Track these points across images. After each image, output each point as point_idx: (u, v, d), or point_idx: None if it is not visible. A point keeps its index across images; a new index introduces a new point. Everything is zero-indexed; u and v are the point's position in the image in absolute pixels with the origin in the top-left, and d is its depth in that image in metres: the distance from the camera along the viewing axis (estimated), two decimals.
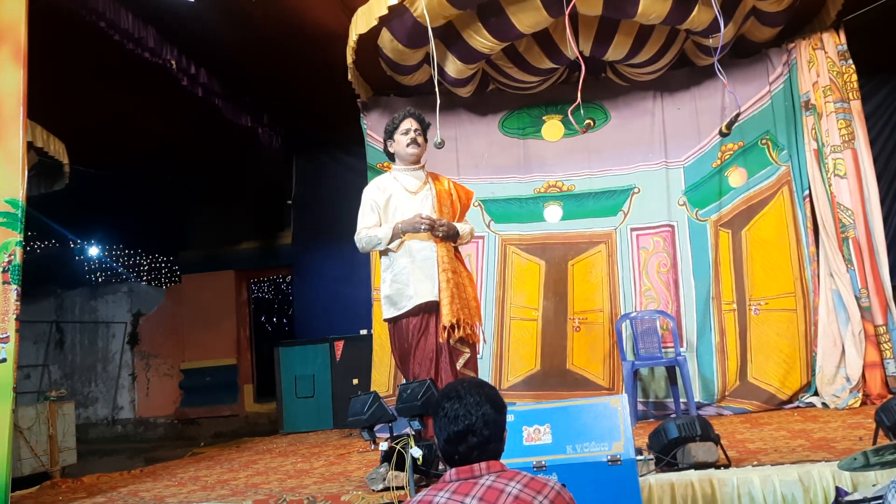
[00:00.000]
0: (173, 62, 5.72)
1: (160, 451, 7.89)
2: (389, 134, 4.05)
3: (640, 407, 5.56)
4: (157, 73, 5.80)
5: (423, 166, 4.10)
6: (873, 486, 2.64)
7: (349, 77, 5.87)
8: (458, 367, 3.88)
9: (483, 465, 1.77)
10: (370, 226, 3.95)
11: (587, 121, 5.46)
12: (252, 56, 6.07)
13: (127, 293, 10.60)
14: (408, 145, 3.98)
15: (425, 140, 4.09)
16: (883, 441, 3.16)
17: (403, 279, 3.87)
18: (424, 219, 3.84)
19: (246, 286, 10.25)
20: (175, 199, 9.46)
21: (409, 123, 4.00)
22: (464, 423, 1.78)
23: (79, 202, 8.31)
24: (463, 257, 4.12)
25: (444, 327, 3.78)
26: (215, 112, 6.43)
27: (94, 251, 10.49)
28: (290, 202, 8.35)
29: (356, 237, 3.98)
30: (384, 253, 3.96)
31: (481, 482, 1.74)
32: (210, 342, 9.72)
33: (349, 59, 5.60)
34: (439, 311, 3.83)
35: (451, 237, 3.93)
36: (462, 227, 4.02)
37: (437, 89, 4.44)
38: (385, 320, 4.01)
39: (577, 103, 4.62)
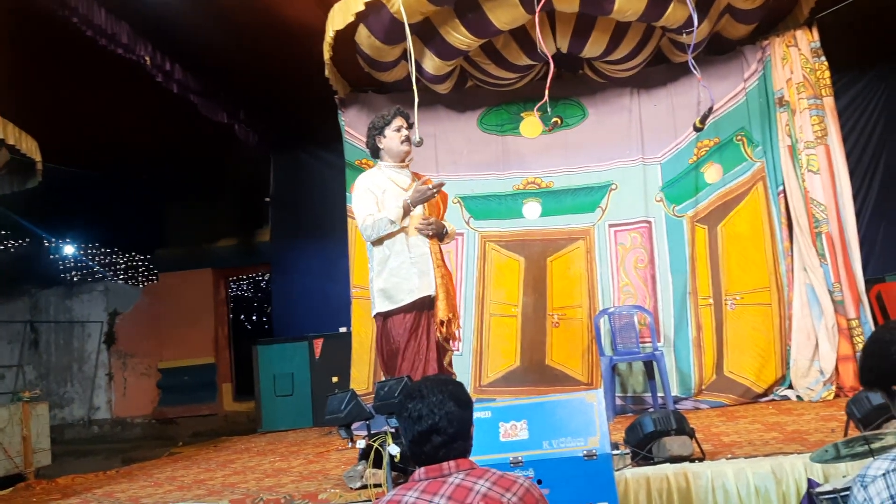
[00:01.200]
0: (147, 59, 5.66)
1: (138, 452, 7.82)
2: (380, 130, 4.03)
3: (618, 402, 5.60)
4: (131, 69, 5.73)
5: (408, 164, 4.13)
6: (843, 477, 2.68)
7: (326, 73, 5.84)
8: (444, 365, 3.91)
9: (452, 463, 1.76)
10: (373, 212, 3.90)
11: (554, 119, 5.48)
12: (228, 52, 6.02)
13: (103, 292, 10.48)
14: (402, 142, 3.99)
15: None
16: (854, 433, 3.21)
17: (403, 273, 3.86)
18: (433, 186, 3.82)
19: (224, 284, 10.17)
20: (151, 196, 9.36)
21: (401, 121, 4.02)
22: (428, 422, 1.76)
23: (53, 200, 8.21)
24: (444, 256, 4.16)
25: (442, 322, 3.81)
26: (191, 109, 6.37)
27: (69, 250, 10.36)
28: (268, 199, 8.30)
29: (361, 225, 3.93)
30: (377, 244, 3.93)
31: (450, 480, 1.73)
32: (188, 341, 9.64)
33: (326, 56, 5.56)
34: (433, 308, 3.86)
35: (439, 235, 3.98)
36: (448, 226, 4.07)
37: (415, 86, 4.43)
38: (377, 315, 3.96)
39: (544, 100, 4.64)
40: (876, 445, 2.38)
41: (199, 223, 9.68)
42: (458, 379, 2.46)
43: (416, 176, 4.13)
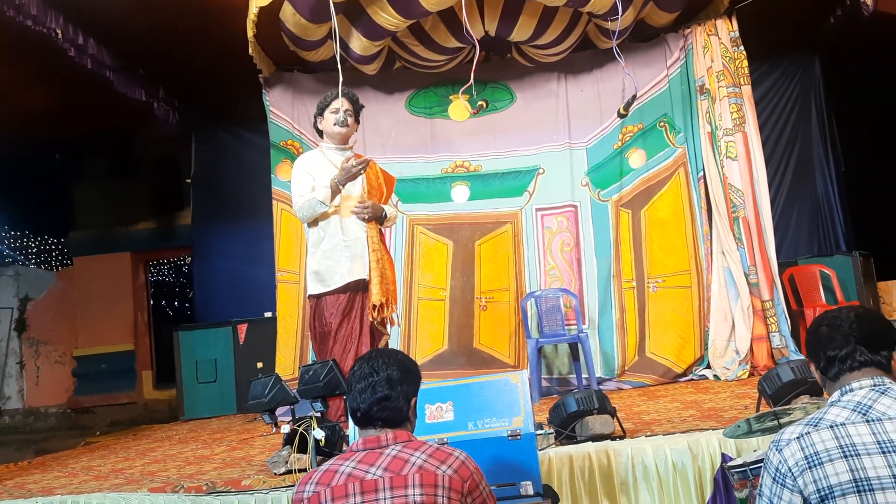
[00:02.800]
0: (59, 31, 5.36)
1: (52, 442, 7.53)
2: (320, 111, 4.10)
3: (544, 383, 5.68)
4: (41, 43, 5.42)
5: (352, 147, 4.16)
6: (755, 451, 2.78)
7: (250, 51, 5.67)
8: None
9: (390, 434, 1.81)
10: (305, 194, 3.95)
11: (480, 102, 5.50)
12: (146, 26, 5.75)
13: (13, 277, 9.96)
14: (335, 124, 4.03)
15: (357, 122, 4.17)
16: (765, 409, 3.34)
17: (336, 256, 3.89)
18: (358, 163, 3.83)
19: (143, 268, 9.82)
20: (64, 177, 8.95)
21: (340, 103, 4.04)
22: (368, 379, 1.85)
23: None
24: (385, 241, 4.20)
25: (374, 306, 3.84)
26: (106, 85, 6.08)
27: None
28: (189, 180, 8.05)
29: (295, 207, 4.00)
30: (313, 225, 3.97)
31: (387, 452, 1.77)
32: (105, 327, 9.27)
33: (250, 33, 5.40)
34: (367, 291, 3.89)
35: (377, 218, 3.98)
36: (388, 210, 4.09)
37: (339, 66, 4.36)
38: (310, 296, 4.03)
39: (469, 83, 4.67)
40: (784, 420, 2.48)
41: (116, 205, 9.29)
42: None
43: (358, 158, 4.11)
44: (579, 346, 5.41)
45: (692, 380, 5.59)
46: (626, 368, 5.71)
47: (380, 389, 1.84)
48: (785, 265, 6.13)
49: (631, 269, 5.94)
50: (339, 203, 3.94)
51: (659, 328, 5.80)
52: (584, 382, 5.44)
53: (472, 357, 5.94)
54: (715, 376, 5.49)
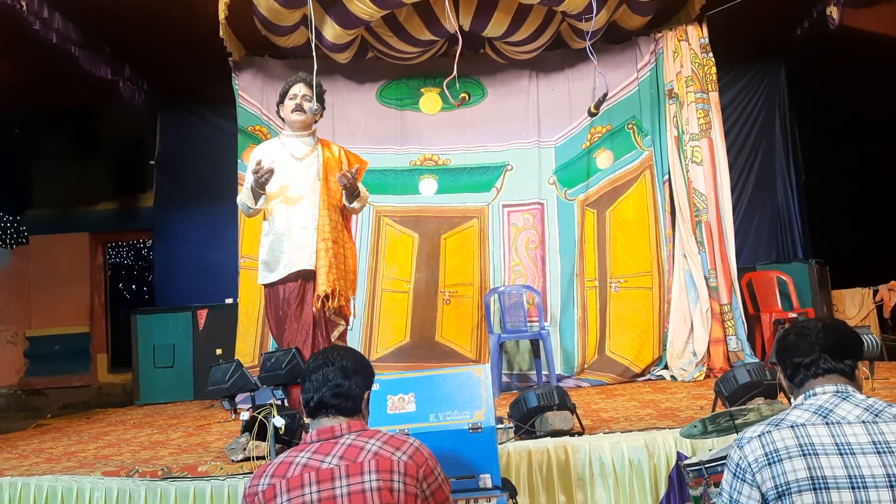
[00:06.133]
0: (24, 3, 5.22)
1: (1, 424, 7.34)
2: (281, 98, 4.05)
3: (504, 379, 5.72)
4: (4, 15, 5.27)
5: (314, 133, 4.10)
6: (709, 450, 2.84)
7: (221, 34, 5.60)
8: (332, 339, 3.89)
9: (344, 425, 1.82)
10: (245, 190, 3.94)
11: (462, 94, 5.51)
12: (114, 2, 5.63)
13: None
14: (292, 111, 3.98)
15: (322, 107, 4.09)
16: (721, 409, 3.41)
17: (280, 246, 3.87)
18: (260, 170, 3.72)
19: (102, 249, 9.62)
20: (23, 153, 8.72)
21: (299, 89, 3.98)
22: (323, 369, 1.88)
23: None
24: (351, 229, 4.15)
25: (319, 297, 3.80)
26: (71, 61, 5.93)
27: None
28: (152, 162, 7.90)
29: (237, 201, 4.08)
30: (265, 217, 3.99)
31: (342, 441, 1.79)
32: (60, 308, 9.07)
33: (221, 15, 5.33)
34: (315, 280, 3.84)
35: (350, 191, 3.89)
36: (362, 189, 4.05)
37: (314, 53, 4.31)
38: (261, 284, 4.05)
39: (452, 75, 4.66)
40: (739, 421, 2.53)
41: (76, 184, 9.07)
42: None
43: (323, 143, 4.10)
44: (540, 342, 5.46)
45: (650, 380, 5.68)
46: (585, 366, 5.78)
47: (333, 378, 1.87)
48: (744, 270, 6.26)
49: (594, 269, 6.00)
50: (280, 193, 3.92)
51: (619, 328, 5.87)
52: (544, 379, 5.48)
53: (434, 350, 5.95)
54: (672, 377, 5.59)
